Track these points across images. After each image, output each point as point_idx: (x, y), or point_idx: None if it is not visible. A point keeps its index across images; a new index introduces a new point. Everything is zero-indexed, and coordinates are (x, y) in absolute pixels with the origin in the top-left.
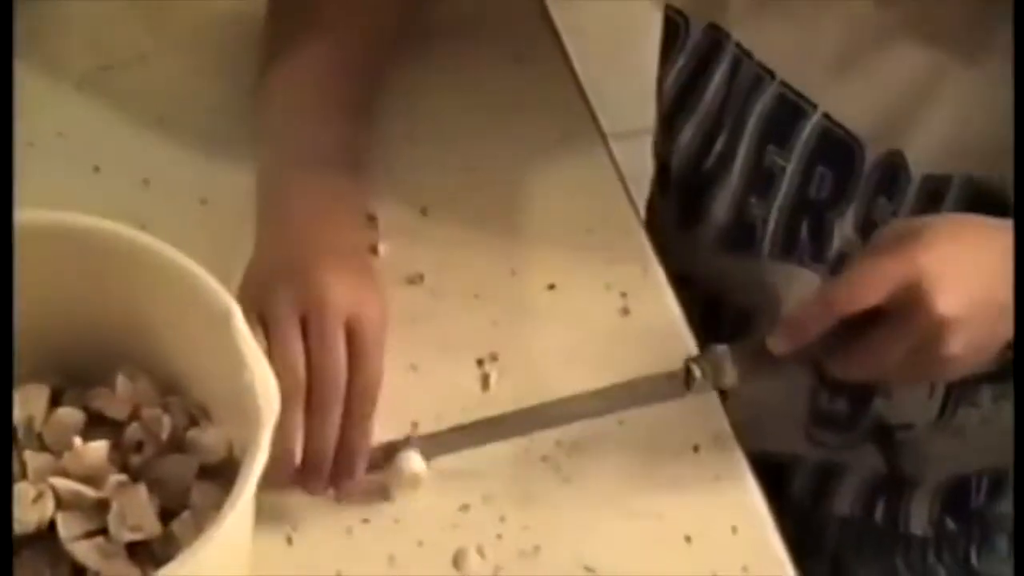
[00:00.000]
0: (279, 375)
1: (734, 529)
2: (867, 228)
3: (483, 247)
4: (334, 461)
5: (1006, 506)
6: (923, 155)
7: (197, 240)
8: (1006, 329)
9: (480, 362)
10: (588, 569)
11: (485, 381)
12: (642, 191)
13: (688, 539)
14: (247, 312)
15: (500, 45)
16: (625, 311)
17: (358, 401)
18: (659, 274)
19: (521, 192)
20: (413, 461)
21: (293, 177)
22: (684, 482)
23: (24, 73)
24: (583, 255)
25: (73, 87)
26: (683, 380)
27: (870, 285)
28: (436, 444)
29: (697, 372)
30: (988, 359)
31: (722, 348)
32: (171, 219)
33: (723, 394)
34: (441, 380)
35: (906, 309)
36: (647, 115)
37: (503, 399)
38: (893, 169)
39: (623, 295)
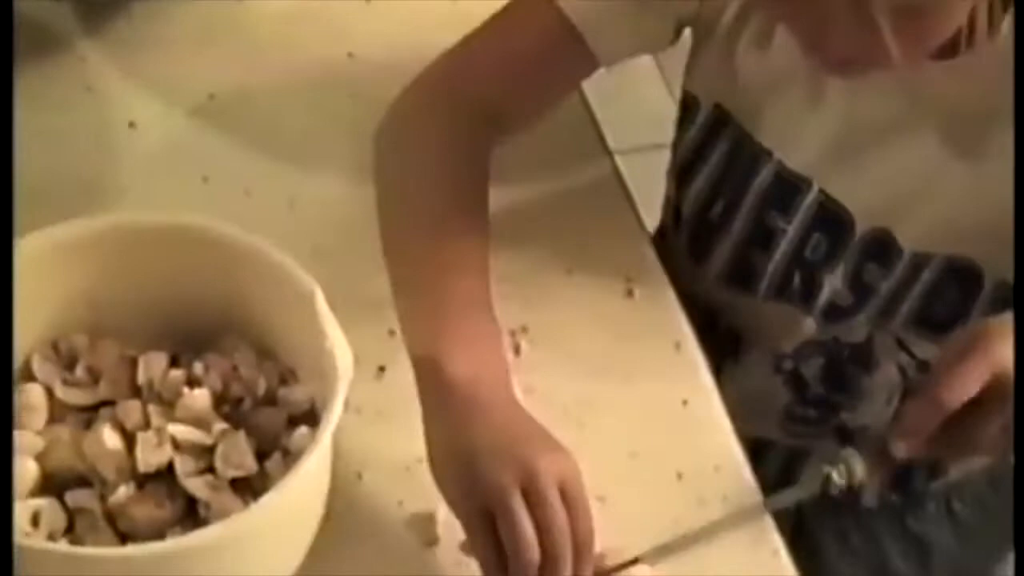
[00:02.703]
0: (519, 550)
1: (717, 468)
2: (856, 284)
3: (511, 241)
4: None
5: (938, 485)
6: (910, 234)
7: (287, 236)
8: None
9: (512, 333)
10: (599, 499)
11: (517, 349)
12: (644, 197)
13: (679, 475)
14: (467, 503)
15: None
16: (630, 293)
17: (583, 550)
18: (657, 265)
19: (539, 199)
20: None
21: (450, 353)
22: (674, 428)
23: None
24: (594, 248)
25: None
26: (821, 485)
27: (970, 381)
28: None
29: (835, 477)
30: None
31: (853, 453)
32: (266, 221)
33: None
34: None
35: (997, 393)
36: (648, 134)
37: (533, 362)
38: (883, 242)
39: (628, 279)
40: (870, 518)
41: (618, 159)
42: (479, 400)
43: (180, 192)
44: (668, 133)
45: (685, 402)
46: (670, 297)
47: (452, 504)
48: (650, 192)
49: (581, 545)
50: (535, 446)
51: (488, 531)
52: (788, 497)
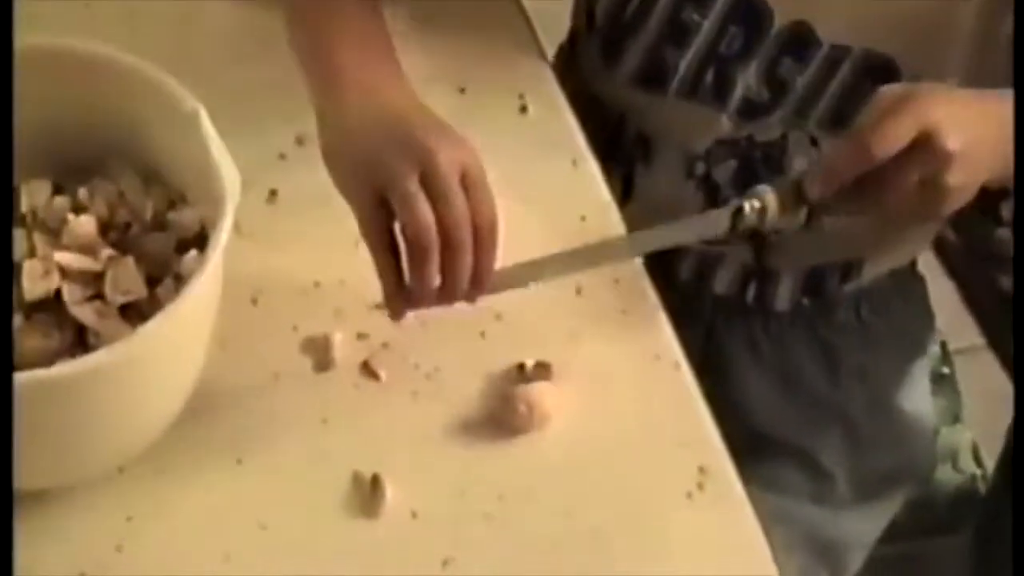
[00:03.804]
0: (417, 232)
1: (616, 281)
2: (771, 79)
3: (400, 63)
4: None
5: (850, 287)
6: (829, 27)
7: (173, 60)
8: (987, 173)
9: None
10: (496, 316)
11: None
12: (545, 24)
13: (578, 290)
14: (361, 189)
15: None
16: (524, 109)
17: (486, 236)
18: (551, 79)
19: (429, 18)
20: None
21: (344, 57)
22: (573, 243)
23: None
24: (487, 65)
25: None
26: (730, 218)
27: (899, 131)
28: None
29: (747, 209)
30: (971, 196)
31: (765, 188)
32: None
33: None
34: None
35: (921, 147)
36: None
37: None
38: (800, 35)
39: (522, 96)
40: (781, 326)
41: None
42: (376, 93)
43: (62, 17)
44: None
45: (583, 217)
46: (565, 112)
47: (346, 193)
48: (549, 12)
49: (482, 231)
50: (434, 132)
51: (383, 220)
52: (695, 226)
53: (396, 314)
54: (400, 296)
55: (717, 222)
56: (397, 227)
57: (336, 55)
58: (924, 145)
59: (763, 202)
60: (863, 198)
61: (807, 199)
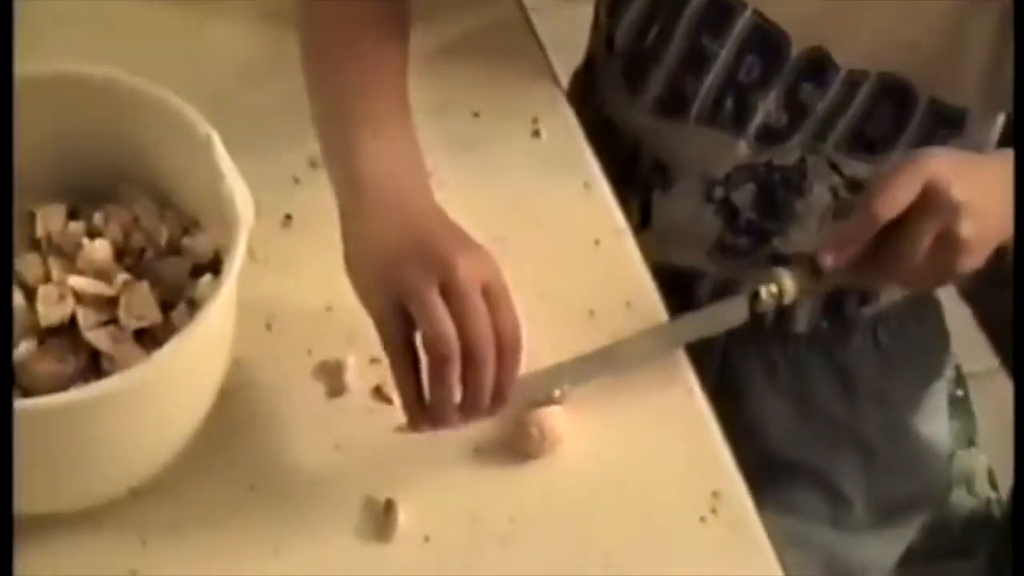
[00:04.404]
0: (437, 341)
1: (629, 304)
2: (791, 105)
3: (415, 86)
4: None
5: (867, 311)
6: (846, 52)
7: (186, 85)
8: (1000, 231)
9: None
10: None
11: None
12: (558, 50)
13: (592, 312)
14: (381, 299)
15: None
16: (537, 133)
17: (509, 350)
18: (564, 104)
19: (443, 42)
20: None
21: (369, 163)
22: (586, 267)
23: None
24: (501, 89)
25: None
26: (748, 303)
27: (902, 188)
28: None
29: (764, 294)
30: (986, 255)
31: (783, 271)
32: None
33: (645, 216)
34: None
35: (927, 202)
36: None
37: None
38: (819, 61)
39: (535, 120)
40: (798, 350)
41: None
42: (400, 202)
43: (76, 42)
44: None
45: (597, 241)
46: (578, 137)
47: (367, 304)
48: (562, 39)
49: (505, 345)
50: (455, 244)
51: (403, 332)
52: (715, 317)
53: (416, 427)
54: (419, 410)
55: (736, 311)
56: (418, 339)
57: (361, 162)
58: (931, 199)
59: (780, 285)
60: (880, 267)
61: (822, 273)
